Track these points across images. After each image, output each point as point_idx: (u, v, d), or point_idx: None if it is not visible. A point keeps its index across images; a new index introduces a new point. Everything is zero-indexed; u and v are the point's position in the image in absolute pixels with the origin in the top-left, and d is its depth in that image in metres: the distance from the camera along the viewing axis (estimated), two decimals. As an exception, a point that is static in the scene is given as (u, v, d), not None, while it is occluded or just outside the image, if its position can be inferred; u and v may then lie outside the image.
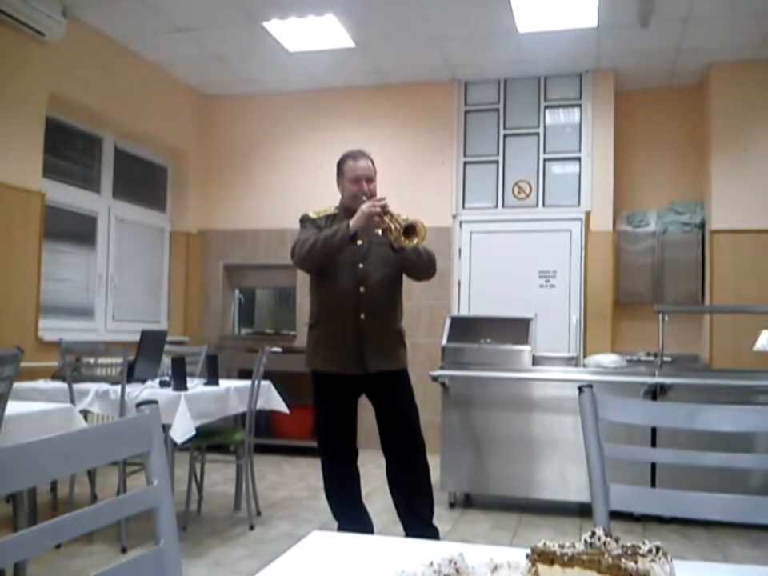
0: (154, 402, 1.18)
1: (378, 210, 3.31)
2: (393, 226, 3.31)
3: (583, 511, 4.59)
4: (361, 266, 3.51)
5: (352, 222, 3.35)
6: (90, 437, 1.09)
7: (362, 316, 3.47)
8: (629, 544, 0.91)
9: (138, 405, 1.17)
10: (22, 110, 5.36)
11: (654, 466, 4.30)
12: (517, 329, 5.03)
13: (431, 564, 0.99)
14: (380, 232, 3.44)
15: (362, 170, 3.56)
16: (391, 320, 3.60)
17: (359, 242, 3.49)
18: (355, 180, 3.54)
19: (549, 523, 4.44)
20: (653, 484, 4.24)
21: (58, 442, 1.01)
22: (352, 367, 3.49)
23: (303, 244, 3.44)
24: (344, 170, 3.61)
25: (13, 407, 2.99)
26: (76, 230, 6.27)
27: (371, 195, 3.51)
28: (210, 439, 4.30)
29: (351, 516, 3.58)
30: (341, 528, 3.53)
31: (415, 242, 3.29)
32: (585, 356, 6.06)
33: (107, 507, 1.07)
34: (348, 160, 3.60)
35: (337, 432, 3.59)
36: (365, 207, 3.34)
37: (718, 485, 4.00)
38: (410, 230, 3.29)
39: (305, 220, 3.62)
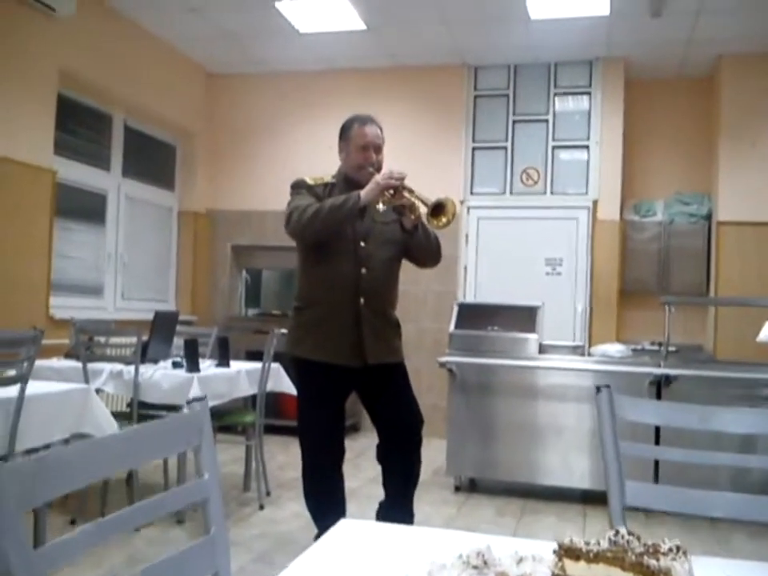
0: (203, 398, 1.23)
1: (396, 183, 2.95)
2: (416, 203, 2.97)
3: (586, 498, 4.66)
4: (362, 244, 3.12)
5: (363, 194, 2.96)
6: (147, 434, 1.14)
7: (362, 300, 3.09)
8: (650, 542, 0.97)
9: (189, 402, 1.21)
10: (33, 87, 5.35)
11: (657, 462, 4.33)
12: (524, 317, 5.06)
13: (460, 556, 1.05)
14: (380, 207, 3.08)
15: (371, 137, 3.15)
16: (390, 306, 3.27)
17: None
18: (362, 148, 3.14)
19: (552, 510, 4.52)
20: (656, 479, 4.27)
21: (120, 439, 1.06)
22: (348, 357, 3.09)
23: (303, 212, 3.00)
24: (350, 135, 3.18)
25: (31, 387, 3.05)
26: (86, 208, 6.28)
27: (378, 167, 3.15)
28: (221, 420, 4.35)
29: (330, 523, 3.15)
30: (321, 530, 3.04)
31: (444, 221, 2.93)
32: (590, 344, 6.11)
33: (166, 498, 1.13)
34: (355, 124, 3.19)
35: (323, 432, 3.16)
36: (380, 179, 2.97)
37: (721, 481, 4.05)
38: (438, 208, 2.94)
39: (300, 186, 3.19)
